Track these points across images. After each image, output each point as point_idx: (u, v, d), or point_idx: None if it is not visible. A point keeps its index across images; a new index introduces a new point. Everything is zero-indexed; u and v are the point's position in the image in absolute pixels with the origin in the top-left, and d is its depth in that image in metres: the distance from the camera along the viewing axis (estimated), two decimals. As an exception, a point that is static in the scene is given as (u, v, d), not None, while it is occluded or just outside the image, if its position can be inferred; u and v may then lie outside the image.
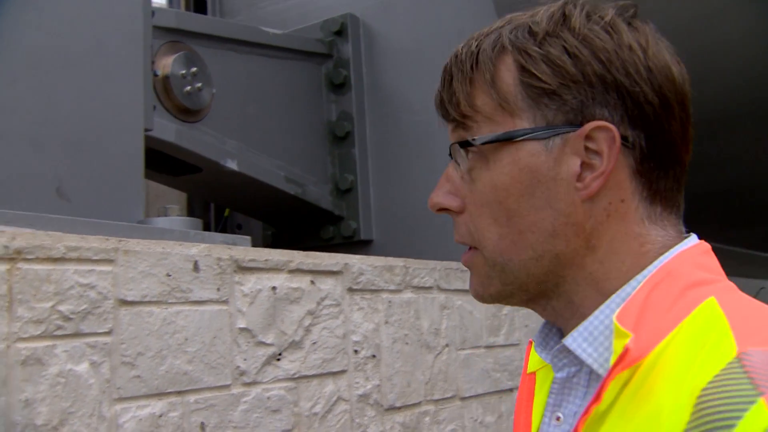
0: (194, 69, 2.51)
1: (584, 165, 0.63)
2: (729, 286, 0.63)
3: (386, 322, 1.72)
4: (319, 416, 1.53)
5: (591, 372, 0.64)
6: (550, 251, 0.65)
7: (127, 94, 1.96)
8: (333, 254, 1.62)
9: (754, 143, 2.86)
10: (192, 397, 1.30)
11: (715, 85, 2.59)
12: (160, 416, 1.25)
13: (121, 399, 1.20)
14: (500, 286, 0.68)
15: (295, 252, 1.55)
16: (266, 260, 1.47)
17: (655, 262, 0.62)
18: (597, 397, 0.58)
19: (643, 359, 0.57)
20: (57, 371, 1.12)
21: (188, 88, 2.49)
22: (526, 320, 2.18)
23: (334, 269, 1.62)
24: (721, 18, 2.62)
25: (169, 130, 2.43)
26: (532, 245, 0.65)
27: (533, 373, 0.75)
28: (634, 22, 0.66)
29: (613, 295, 0.62)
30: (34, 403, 1.08)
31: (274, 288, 1.47)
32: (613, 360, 0.57)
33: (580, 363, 0.65)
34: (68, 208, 1.73)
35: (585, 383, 0.65)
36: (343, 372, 1.60)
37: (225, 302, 1.39)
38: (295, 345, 1.50)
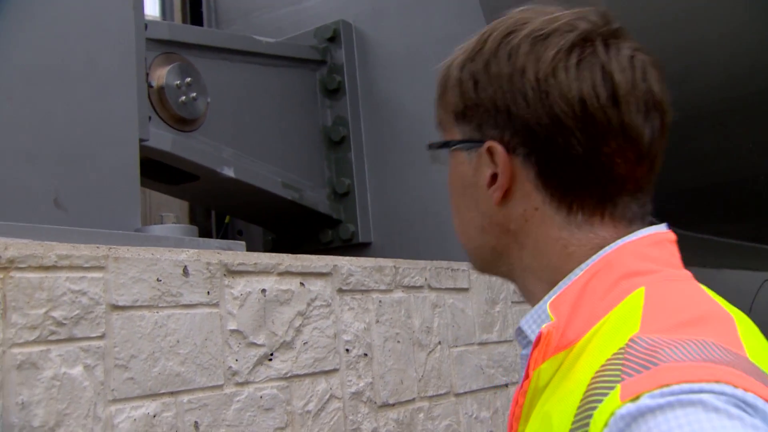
0: (189, 79, 2.56)
1: (494, 176, 0.71)
2: (670, 275, 0.66)
3: (377, 322, 1.76)
4: (312, 414, 1.57)
5: None
6: (486, 244, 0.75)
7: (121, 105, 2.01)
8: (322, 256, 1.66)
9: (743, 137, 2.88)
10: (185, 397, 1.35)
11: (701, 81, 2.61)
12: (155, 416, 1.29)
13: (116, 400, 1.25)
14: (472, 264, 0.80)
15: (285, 255, 1.59)
16: (255, 263, 1.51)
17: (600, 252, 0.67)
18: (526, 375, 0.65)
19: (576, 343, 0.62)
20: (52, 374, 1.16)
21: (183, 98, 2.54)
22: (520, 316, 2.21)
23: (324, 271, 1.66)
24: (709, 13, 2.65)
25: (165, 139, 2.48)
26: (472, 237, 0.76)
27: None
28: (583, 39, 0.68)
29: (560, 282, 0.68)
30: (30, 406, 1.13)
31: (263, 290, 1.52)
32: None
33: None
34: (65, 219, 1.79)
35: None
36: (335, 371, 1.64)
37: (215, 305, 1.43)
38: (286, 345, 1.55)
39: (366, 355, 1.72)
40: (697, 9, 2.67)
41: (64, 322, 1.19)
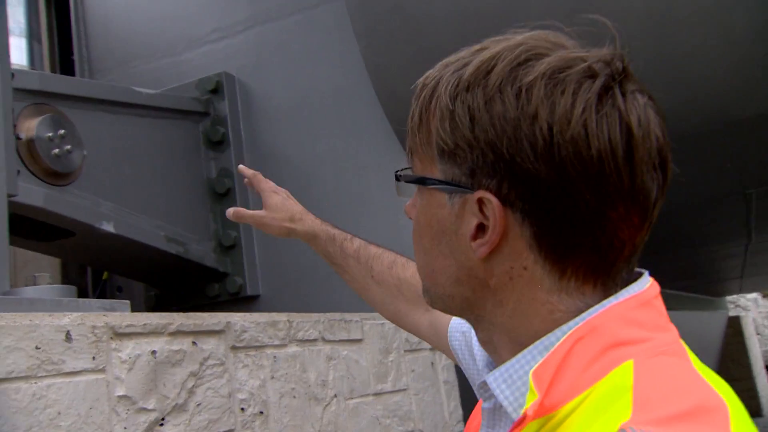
0: (62, 131, 2.44)
1: (480, 227, 0.63)
2: (660, 346, 0.60)
3: (272, 378, 1.72)
4: (206, 481, 1.49)
5: None
6: (458, 295, 0.67)
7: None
8: (215, 314, 1.61)
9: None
10: (68, 475, 1.24)
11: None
12: (33, 498, 1.18)
13: (-12, 484, 1.13)
14: (430, 303, 0.72)
15: (175, 314, 1.53)
16: (144, 324, 1.44)
17: (584, 314, 0.61)
18: None
19: (556, 411, 0.57)
20: None
21: (56, 150, 2.41)
22: (412, 365, 2.23)
23: (216, 328, 1.61)
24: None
25: (36, 194, 2.34)
26: (443, 285, 0.68)
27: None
28: (602, 82, 0.59)
29: (537, 342, 0.61)
30: None
31: (153, 352, 1.44)
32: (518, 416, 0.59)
33: None
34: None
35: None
36: (230, 431, 1.58)
37: (102, 371, 1.34)
38: (178, 408, 1.47)
39: (262, 413, 1.67)
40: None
41: (-71, 400, 1.08)
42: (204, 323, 1.57)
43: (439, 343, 1.03)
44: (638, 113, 0.60)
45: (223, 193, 3.07)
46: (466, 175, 0.62)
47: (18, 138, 2.37)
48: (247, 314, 1.70)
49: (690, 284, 8.10)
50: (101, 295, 3.24)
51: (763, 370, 12.12)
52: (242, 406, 1.62)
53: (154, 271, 2.99)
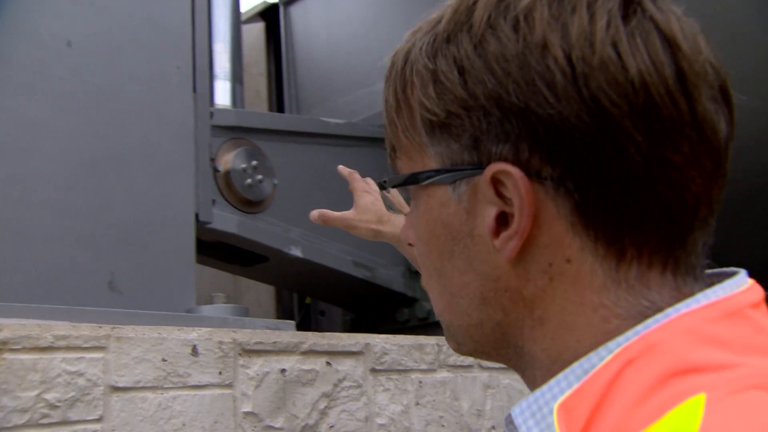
0: (255, 162, 2.62)
1: (502, 217, 0.47)
2: (747, 377, 0.40)
3: (417, 404, 1.63)
4: (340, 507, 1.45)
5: None
6: (488, 320, 0.51)
7: (179, 189, 2.06)
8: (353, 334, 1.57)
9: None
10: (192, 486, 1.28)
11: None
12: (156, 506, 1.23)
13: (114, 488, 1.20)
14: (456, 346, 0.56)
15: (309, 333, 1.52)
16: (274, 342, 1.44)
17: (638, 327, 0.44)
18: None
19: None
20: (44, 459, 1.13)
21: (249, 180, 2.59)
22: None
23: (354, 350, 1.57)
24: None
25: (231, 221, 2.52)
26: (467, 312, 0.52)
27: None
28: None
29: (576, 364, 0.45)
30: (18, 492, 1.10)
31: (283, 370, 1.44)
32: None
33: None
34: (120, 301, 1.82)
35: None
36: (368, 458, 1.52)
37: (228, 386, 1.37)
38: (309, 429, 1.45)
39: (405, 441, 1.59)
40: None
41: (58, 404, 1.17)
42: (340, 344, 1.54)
43: None
44: (680, 24, 0.45)
45: (412, 217, 3.07)
46: (469, 148, 0.47)
47: (216, 171, 2.59)
48: (390, 336, 1.64)
49: None
50: (304, 319, 3.41)
51: None
52: (381, 431, 1.56)
53: (344, 296, 3.06)
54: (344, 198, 2.96)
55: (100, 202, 1.85)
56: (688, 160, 0.44)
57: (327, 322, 3.36)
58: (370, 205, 1.17)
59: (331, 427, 1.49)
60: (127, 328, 1.28)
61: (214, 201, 2.47)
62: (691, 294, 0.45)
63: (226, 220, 2.52)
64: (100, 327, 1.25)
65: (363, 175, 3.13)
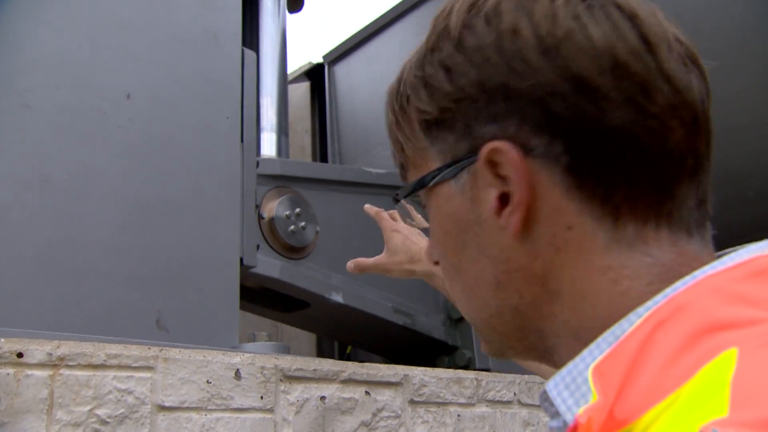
0: (298, 210, 2.71)
1: (503, 197, 0.50)
2: None
3: (455, 438, 1.63)
4: None
5: None
6: (506, 306, 0.53)
7: (225, 233, 2.15)
8: (392, 365, 1.60)
9: None
10: (233, 508, 1.30)
11: None
12: None
13: (158, 506, 1.23)
14: (486, 345, 0.59)
15: (349, 362, 1.55)
16: (315, 370, 1.48)
17: (667, 291, 0.45)
18: None
19: (632, 425, 0.42)
20: (93, 473, 1.18)
21: (292, 227, 2.67)
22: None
23: (393, 380, 1.59)
24: None
25: (274, 266, 2.59)
26: (485, 301, 0.54)
27: None
28: None
29: (607, 332, 0.46)
30: (68, 504, 1.14)
31: (323, 398, 1.47)
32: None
33: None
34: (167, 338, 1.89)
35: None
36: (407, 491, 1.52)
37: (269, 410, 1.40)
38: (347, 458, 1.47)
39: (444, 475, 1.59)
40: None
41: (108, 420, 1.22)
42: (379, 374, 1.57)
43: None
44: (641, 6, 0.49)
45: (451, 264, 3.10)
46: (464, 136, 0.51)
47: (261, 217, 2.69)
48: (429, 369, 1.66)
49: None
50: (345, 368, 3.42)
51: None
52: (420, 463, 1.56)
53: (383, 342, 3.08)
54: (380, 246, 3.01)
55: (150, 244, 1.93)
56: (664, 110, 0.47)
57: (368, 372, 3.36)
58: (400, 246, 1.19)
59: (370, 456, 1.50)
60: (174, 350, 1.34)
61: (258, 246, 2.55)
62: (689, 248, 0.48)
63: (270, 265, 2.59)
64: (149, 348, 1.31)
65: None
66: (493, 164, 0.50)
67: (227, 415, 1.35)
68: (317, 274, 2.74)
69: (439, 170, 0.53)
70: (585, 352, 0.47)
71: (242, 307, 2.44)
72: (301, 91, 4.20)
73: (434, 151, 0.54)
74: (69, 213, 1.75)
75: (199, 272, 2.04)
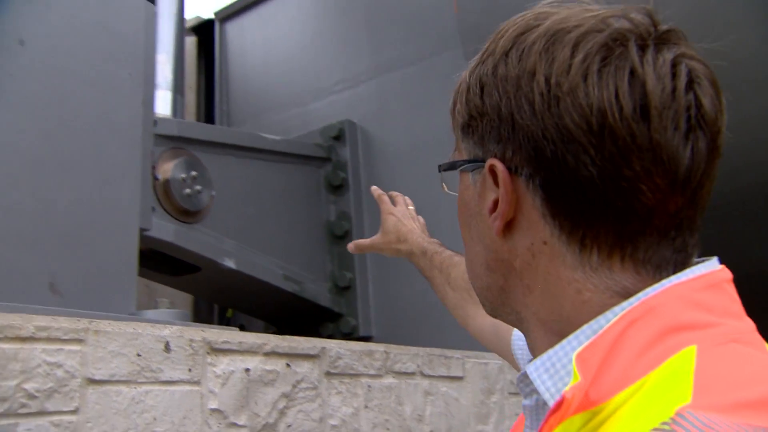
0: (194, 173, 2.64)
1: (497, 202, 0.60)
2: (729, 332, 0.52)
3: (366, 407, 1.72)
4: (294, 503, 1.51)
5: None
6: (494, 284, 0.63)
7: (124, 196, 2.06)
8: (310, 338, 1.65)
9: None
10: (159, 479, 1.31)
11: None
12: (126, 498, 1.25)
13: (86, 479, 1.21)
14: (483, 307, 0.69)
15: (272, 335, 1.58)
16: (240, 342, 1.50)
17: (640, 295, 0.53)
18: None
19: (604, 404, 0.50)
20: (21, 448, 1.14)
21: (188, 190, 2.61)
22: (517, 408, 2.15)
23: (311, 353, 1.64)
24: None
25: (167, 230, 2.53)
26: (479, 275, 0.65)
27: None
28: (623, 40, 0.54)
29: (585, 326, 0.55)
30: (-5, 480, 1.10)
31: (247, 370, 1.50)
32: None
33: None
34: (60, 303, 1.80)
35: None
36: (320, 458, 1.59)
37: (197, 383, 1.41)
38: (269, 427, 1.51)
39: (354, 442, 1.67)
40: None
41: (36, 395, 1.18)
42: (299, 347, 1.62)
43: (501, 348, 1.00)
44: (660, 67, 0.53)
45: (341, 235, 3.16)
46: (478, 145, 0.61)
47: (156, 179, 2.60)
48: (343, 342, 1.73)
49: None
50: (227, 332, 3.41)
51: None
52: (334, 432, 1.64)
53: (271, 308, 3.11)
54: (277, 212, 3.02)
55: (43, 203, 1.83)
56: (638, 176, 0.53)
57: (249, 336, 3.38)
58: (391, 227, 1.29)
59: (289, 426, 1.55)
60: (104, 323, 1.31)
61: (153, 209, 2.47)
62: (653, 279, 0.55)
63: (164, 229, 2.53)
64: (79, 320, 1.28)
65: (296, 192, 3.19)
66: (493, 174, 0.60)
67: (156, 387, 1.34)
68: (210, 238, 2.71)
69: (463, 162, 0.64)
70: (564, 342, 0.56)
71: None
72: (187, 47, 4.04)
73: (464, 146, 0.64)
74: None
75: (96, 234, 1.96)
